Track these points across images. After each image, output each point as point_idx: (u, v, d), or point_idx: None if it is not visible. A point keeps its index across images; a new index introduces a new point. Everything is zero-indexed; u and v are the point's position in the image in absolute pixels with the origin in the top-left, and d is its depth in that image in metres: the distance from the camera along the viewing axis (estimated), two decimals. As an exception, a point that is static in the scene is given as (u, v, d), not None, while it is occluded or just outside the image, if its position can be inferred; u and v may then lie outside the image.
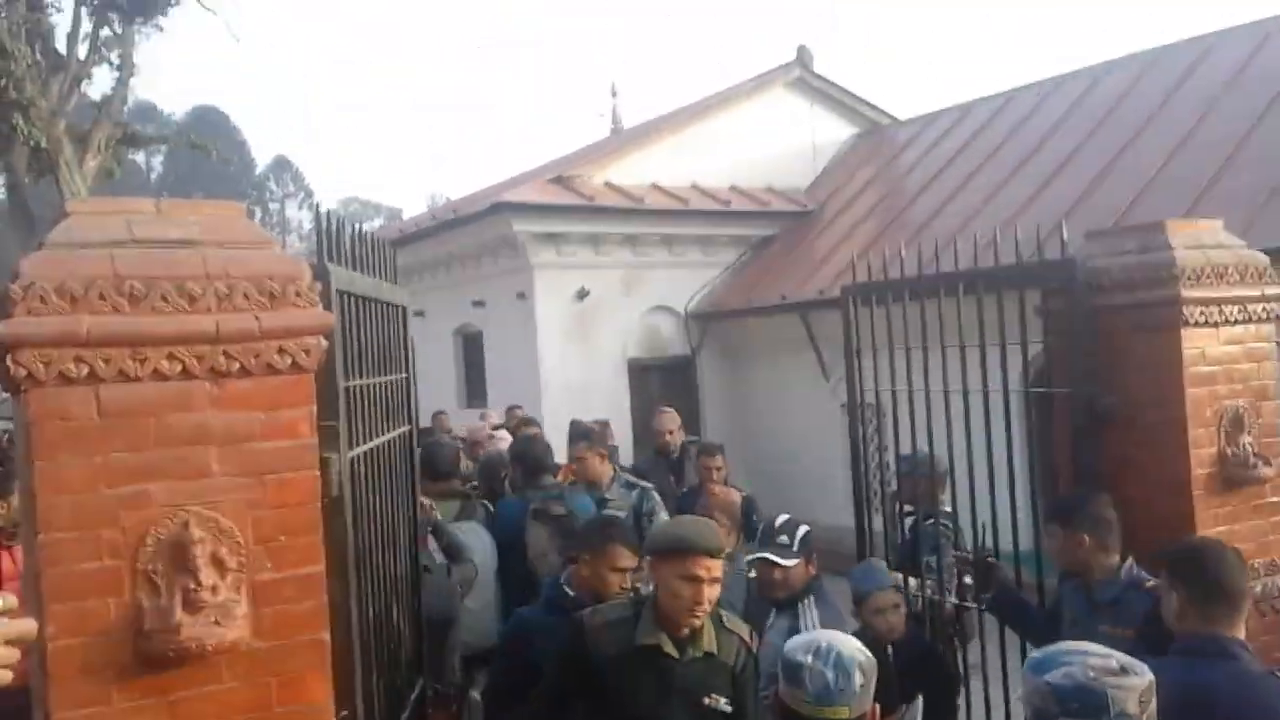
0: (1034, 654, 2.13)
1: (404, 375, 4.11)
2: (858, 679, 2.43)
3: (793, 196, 14.90)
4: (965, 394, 4.82)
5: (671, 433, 7.81)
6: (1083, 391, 4.37)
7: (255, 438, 2.67)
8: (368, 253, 3.67)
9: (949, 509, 5.29)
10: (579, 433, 6.67)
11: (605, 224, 13.19)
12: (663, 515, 6.03)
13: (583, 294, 13.09)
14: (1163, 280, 4.21)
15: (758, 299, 13.09)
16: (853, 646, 2.51)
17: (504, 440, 8.24)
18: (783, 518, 4.30)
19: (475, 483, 6.64)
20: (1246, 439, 4.36)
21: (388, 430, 3.77)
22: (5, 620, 1.60)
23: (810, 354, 12.53)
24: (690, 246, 13.92)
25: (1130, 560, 3.88)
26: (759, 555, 4.21)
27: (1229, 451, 4.33)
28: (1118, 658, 2.03)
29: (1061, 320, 4.47)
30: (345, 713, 2.93)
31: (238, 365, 2.63)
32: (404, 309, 4.17)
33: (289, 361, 2.68)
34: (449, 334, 15.17)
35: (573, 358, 12.92)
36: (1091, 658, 2.02)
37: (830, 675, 2.40)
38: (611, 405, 11.97)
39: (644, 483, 6.39)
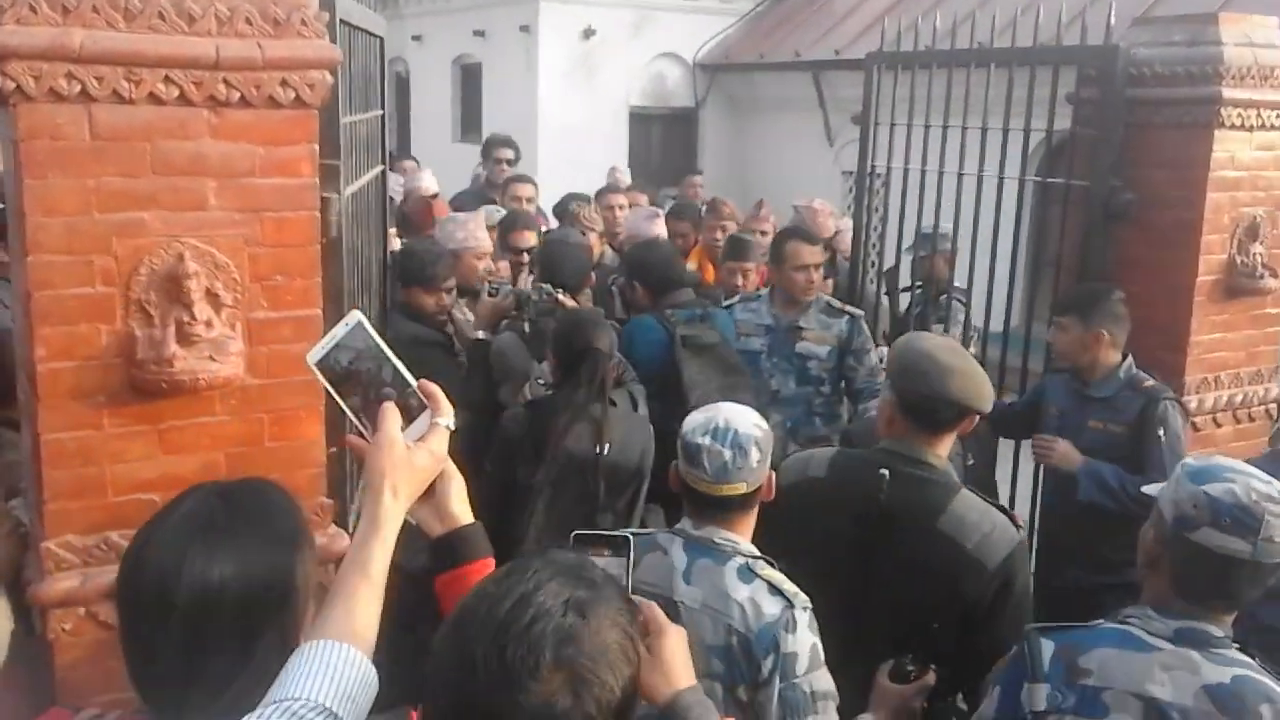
0: (1190, 463, 2.11)
1: (380, 112, 3.98)
2: (754, 456, 2.44)
3: (818, -56, 14.09)
4: (980, 178, 4.70)
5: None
6: (1103, 186, 4.26)
7: (255, 173, 2.55)
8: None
9: (962, 287, 5.24)
10: (798, 233, 4.99)
11: (619, -42, 12.51)
12: (873, 357, 4.78)
13: (589, 33, 12.55)
14: (1206, 77, 4.02)
15: (771, 53, 12.59)
16: (750, 422, 2.49)
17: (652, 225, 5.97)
18: None
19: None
20: (1258, 249, 4.30)
21: (368, 169, 3.68)
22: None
23: (818, 115, 12.18)
24: (706, -10, 13.27)
25: (1129, 358, 3.91)
26: None
27: (1238, 260, 4.28)
28: (1278, 485, 2.02)
29: (1093, 109, 4.29)
30: (334, 449, 2.96)
31: (238, 95, 2.48)
32: (381, 40, 3.98)
33: (292, 96, 2.53)
34: (447, 63, 14.63)
35: (573, 100, 12.52)
36: (1255, 480, 2.02)
37: (728, 454, 2.41)
38: (609, 154, 11.71)
39: (852, 309, 4.91)
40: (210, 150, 2.51)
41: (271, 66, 2.51)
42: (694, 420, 2.51)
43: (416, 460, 1.54)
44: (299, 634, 1.56)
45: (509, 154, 7.67)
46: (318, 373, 1.56)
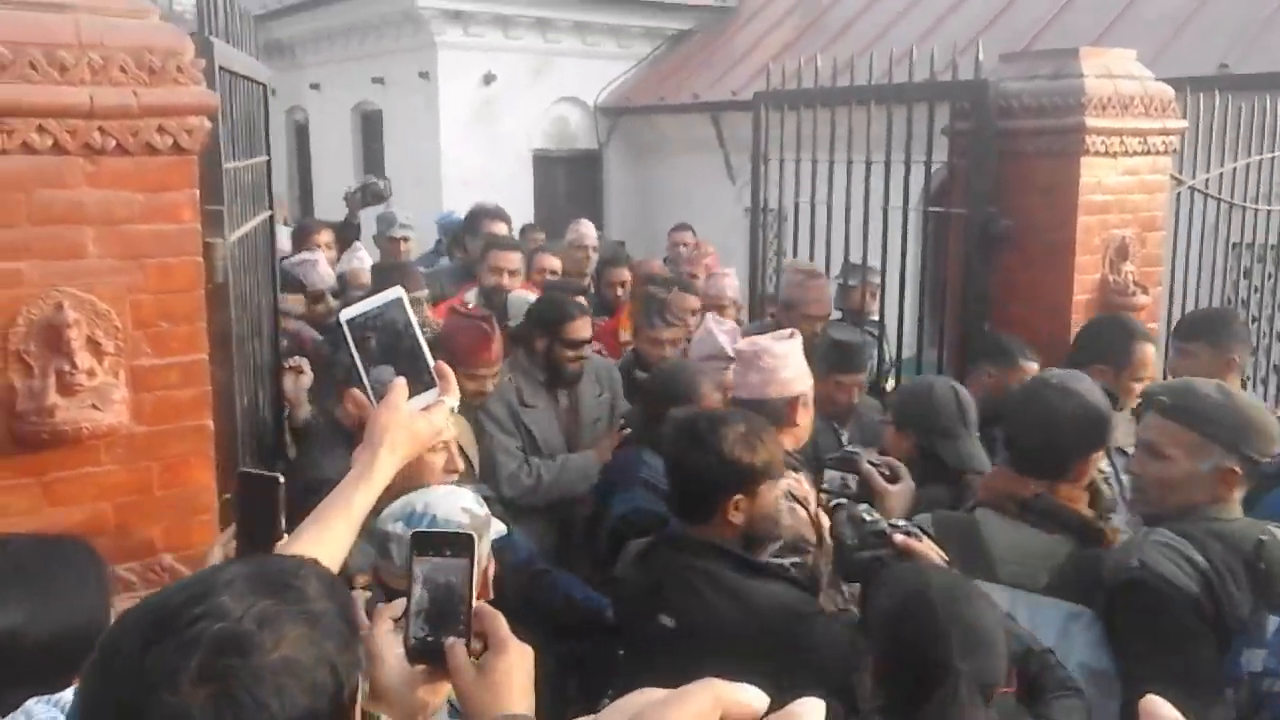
0: None
1: (265, 158, 3.97)
2: None
3: (712, -11, 14.40)
4: (866, 208, 4.85)
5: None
6: (980, 213, 4.43)
7: (135, 220, 2.55)
8: (238, 23, 3.48)
9: (876, 318, 5.40)
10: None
11: (515, 4, 12.61)
12: None
13: (489, 78, 12.61)
14: (1070, 108, 4.23)
15: (669, 96, 12.80)
16: (455, 506, 2.22)
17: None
18: None
19: None
20: (1129, 267, 4.50)
21: (254, 215, 3.66)
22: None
23: (719, 154, 12.40)
24: (603, 36, 13.44)
25: None
26: None
27: (1111, 279, 4.47)
28: None
29: (968, 141, 4.47)
30: (228, 495, 2.93)
31: (114, 143, 2.48)
32: (264, 86, 3.98)
33: (170, 142, 2.54)
34: (347, 110, 14.57)
35: (476, 145, 12.55)
36: None
37: None
38: (514, 198, 11.75)
39: None
40: (88, 198, 2.50)
41: (147, 114, 2.52)
42: (391, 508, 2.27)
43: (416, 425, 1.66)
44: None
45: (406, 232, 6.08)
46: (346, 330, 1.64)
